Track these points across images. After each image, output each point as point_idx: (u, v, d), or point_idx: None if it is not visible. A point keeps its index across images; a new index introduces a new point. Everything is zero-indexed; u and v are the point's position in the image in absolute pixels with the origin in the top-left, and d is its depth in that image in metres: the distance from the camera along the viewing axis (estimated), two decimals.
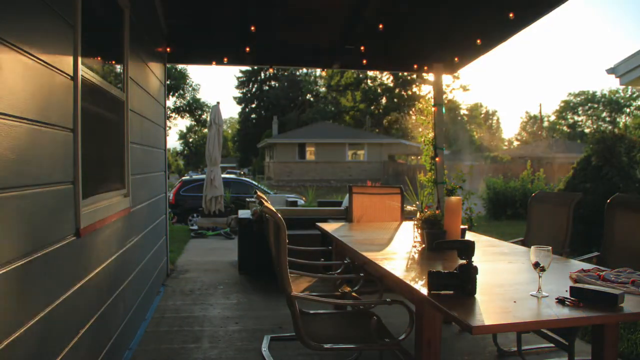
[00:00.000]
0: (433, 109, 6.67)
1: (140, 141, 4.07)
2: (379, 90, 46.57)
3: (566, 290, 1.89)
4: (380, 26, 5.37)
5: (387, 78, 45.81)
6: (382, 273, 2.44)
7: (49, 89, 2.04)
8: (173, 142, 44.74)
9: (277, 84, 49.24)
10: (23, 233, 1.78)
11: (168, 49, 5.95)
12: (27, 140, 1.81)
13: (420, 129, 7.01)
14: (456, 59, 6.46)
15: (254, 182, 15.29)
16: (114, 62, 3.33)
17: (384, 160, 33.84)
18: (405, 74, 38.51)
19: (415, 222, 3.10)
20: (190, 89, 41.88)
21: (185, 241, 8.82)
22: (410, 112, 41.92)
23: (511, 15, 4.80)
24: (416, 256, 2.88)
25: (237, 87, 49.38)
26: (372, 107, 46.34)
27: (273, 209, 2.52)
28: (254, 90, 49.54)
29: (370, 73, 43.66)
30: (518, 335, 3.28)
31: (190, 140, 44.83)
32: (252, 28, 5.40)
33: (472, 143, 40.18)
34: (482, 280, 1.96)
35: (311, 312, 2.85)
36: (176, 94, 40.46)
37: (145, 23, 4.49)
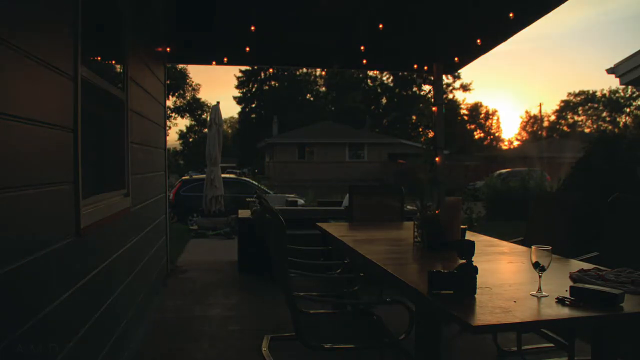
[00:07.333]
0: (433, 109, 6.67)
1: (141, 141, 4.07)
2: (379, 90, 46.55)
3: (566, 290, 1.89)
4: (380, 26, 5.37)
5: (387, 78, 45.81)
6: (382, 273, 2.44)
7: (49, 89, 2.04)
8: (173, 142, 44.69)
9: (277, 84, 49.18)
10: (24, 232, 1.78)
11: (168, 49, 5.94)
12: (27, 140, 1.81)
13: (420, 129, 7.04)
14: (456, 59, 6.46)
15: (254, 182, 15.28)
16: (114, 62, 3.34)
17: (384, 160, 33.81)
18: (405, 73, 38.52)
19: (415, 222, 3.10)
20: (190, 88, 41.89)
21: (186, 241, 8.82)
22: (410, 112, 41.90)
23: (511, 15, 4.80)
24: (416, 256, 2.88)
25: (237, 87, 49.33)
26: (372, 107, 46.31)
27: (273, 208, 2.52)
28: (254, 90, 49.44)
29: (370, 73, 43.66)
30: (518, 335, 3.28)
31: (191, 140, 44.73)
32: (252, 28, 5.39)
33: (472, 143, 40.17)
34: (482, 280, 1.96)
35: (311, 312, 2.85)
36: (176, 94, 40.44)
37: (145, 23, 4.49)
